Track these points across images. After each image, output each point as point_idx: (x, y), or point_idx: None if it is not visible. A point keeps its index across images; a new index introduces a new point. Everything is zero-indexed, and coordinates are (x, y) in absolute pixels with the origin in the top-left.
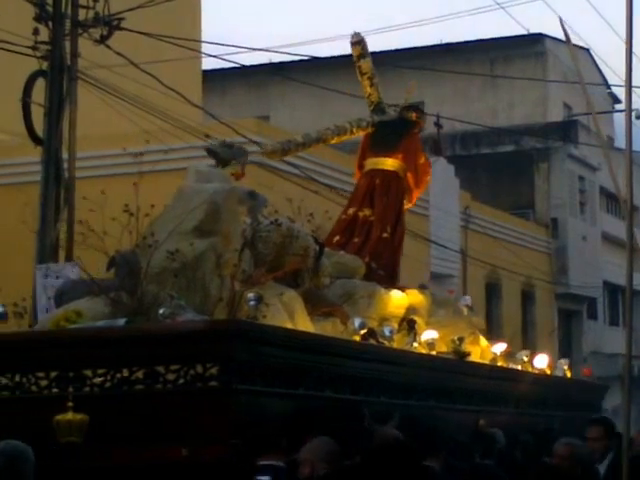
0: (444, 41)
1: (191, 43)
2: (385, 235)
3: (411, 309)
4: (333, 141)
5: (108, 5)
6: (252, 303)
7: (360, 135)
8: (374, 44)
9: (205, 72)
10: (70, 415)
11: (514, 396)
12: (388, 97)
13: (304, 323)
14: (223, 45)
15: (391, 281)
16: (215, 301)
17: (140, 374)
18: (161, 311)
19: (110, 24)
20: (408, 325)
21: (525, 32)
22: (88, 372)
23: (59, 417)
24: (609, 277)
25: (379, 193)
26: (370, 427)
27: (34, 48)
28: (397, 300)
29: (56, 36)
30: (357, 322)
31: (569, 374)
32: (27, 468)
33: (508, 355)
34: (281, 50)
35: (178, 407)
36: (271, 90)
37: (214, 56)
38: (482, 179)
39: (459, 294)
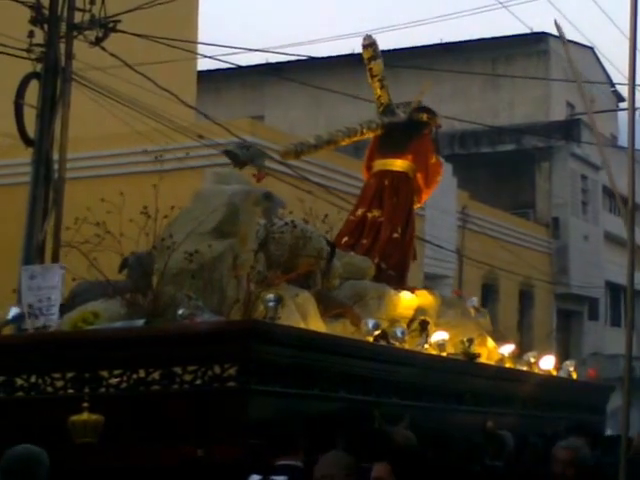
0: (445, 40)
1: (186, 44)
2: (395, 235)
3: (420, 310)
4: (344, 142)
5: (105, 8)
6: (271, 304)
7: (370, 136)
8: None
9: (200, 72)
10: (85, 416)
11: (522, 397)
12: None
13: (317, 324)
14: (218, 46)
15: (400, 282)
16: (232, 302)
17: (157, 375)
18: (180, 312)
19: (106, 26)
20: (420, 326)
21: (528, 31)
22: (104, 373)
23: (74, 418)
24: (611, 277)
25: (388, 194)
26: (382, 428)
27: (29, 50)
28: (407, 301)
29: (51, 38)
30: (371, 323)
31: (575, 375)
32: (41, 471)
33: (515, 356)
34: (276, 50)
35: (195, 408)
36: (266, 90)
37: (209, 57)
38: (482, 178)
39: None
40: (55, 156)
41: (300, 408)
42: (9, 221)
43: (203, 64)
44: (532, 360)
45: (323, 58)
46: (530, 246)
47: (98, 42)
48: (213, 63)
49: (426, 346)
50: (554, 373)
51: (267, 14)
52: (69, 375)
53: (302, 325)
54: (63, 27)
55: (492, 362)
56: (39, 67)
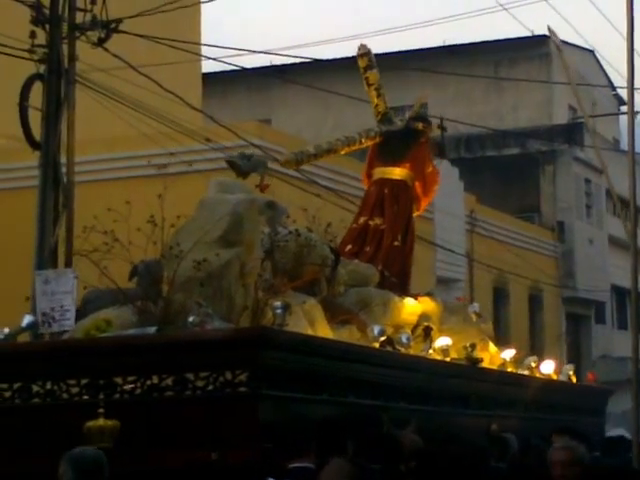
0: (447, 43)
1: (190, 46)
2: (396, 243)
3: (423, 316)
4: (343, 151)
5: (106, 8)
6: (279, 311)
7: (369, 145)
8: (376, 46)
9: (205, 75)
10: (101, 421)
11: (524, 401)
12: (391, 99)
13: (324, 331)
14: (222, 47)
15: (403, 289)
16: (240, 309)
17: (170, 381)
18: (190, 319)
19: (108, 27)
20: (424, 332)
21: (529, 34)
22: (118, 379)
23: (90, 423)
24: (617, 281)
25: (389, 202)
26: (390, 432)
27: (31, 51)
28: (410, 307)
29: (53, 39)
30: (376, 329)
31: (574, 379)
32: (107, 472)
33: (516, 361)
34: (282, 52)
35: (208, 413)
36: (272, 93)
37: (214, 59)
38: (488, 182)
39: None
40: (62, 159)
41: (310, 412)
42: (17, 226)
43: (207, 66)
44: (533, 364)
45: (330, 60)
46: (537, 250)
47: (100, 43)
48: (217, 65)
49: (430, 351)
50: (554, 377)
51: (271, 15)
52: (84, 382)
53: (310, 331)
54: (65, 27)
55: (494, 367)
56: (42, 68)
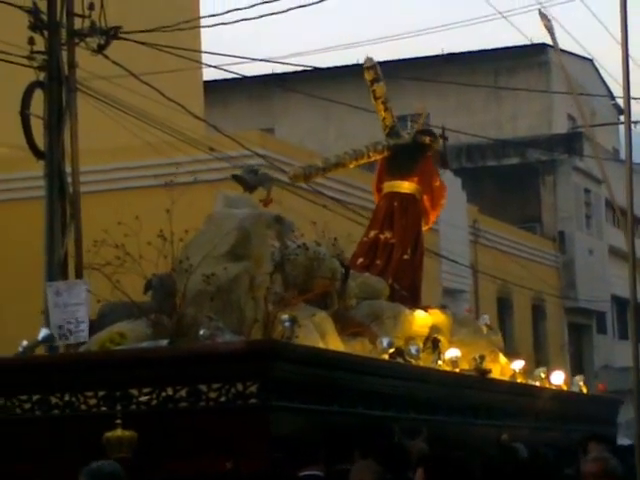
0: (446, 50)
1: (191, 53)
2: (406, 257)
3: (434, 328)
4: (351, 165)
5: (104, 13)
6: (287, 324)
7: (376, 158)
8: (375, 54)
9: (206, 83)
10: (119, 432)
11: (534, 411)
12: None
13: (335, 343)
14: (224, 55)
15: (414, 301)
16: (251, 322)
17: (184, 392)
18: (201, 332)
19: (107, 33)
20: (432, 344)
21: (528, 42)
22: (134, 391)
23: (109, 434)
24: (617, 291)
25: (398, 216)
26: (400, 442)
27: (30, 58)
28: (421, 320)
29: (52, 45)
30: (385, 341)
31: (585, 390)
32: None
33: (526, 372)
34: (283, 61)
35: (220, 423)
36: (274, 102)
37: (215, 67)
38: (489, 192)
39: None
40: (67, 169)
41: (319, 423)
42: (22, 237)
43: (208, 74)
44: (542, 375)
45: (329, 68)
46: (539, 260)
47: (100, 50)
48: (218, 73)
49: (439, 363)
50: (565, 388)
51: (274, 24)
52: (101, 393)
53: (321, 344)
54: (63, 34)
55: (505, 378)
56: (42, 75)
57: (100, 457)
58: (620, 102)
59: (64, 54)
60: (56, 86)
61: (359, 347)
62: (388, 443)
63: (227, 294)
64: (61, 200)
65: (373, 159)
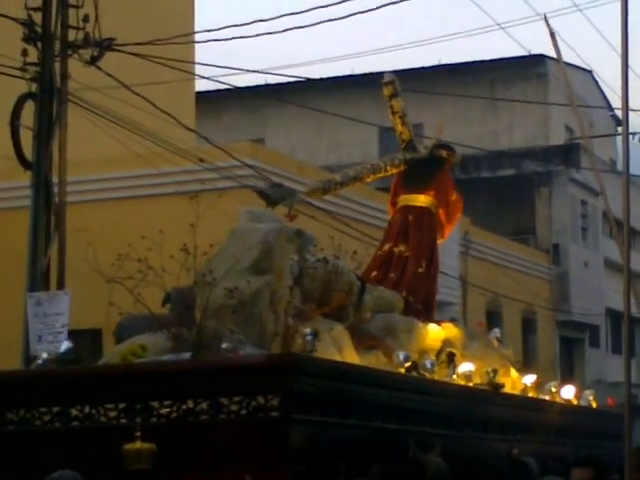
0: (442, 62)
1: (184, 64)
2: (420, 270)
3: (447, 342)
4: (369, 179)
5: (99, 26)
6: (309, 338)
7: (393, 173)
8: (371, 65)
9: (199, 94)
10: (139, 444)
11: (544, 425)
12: (387, 120)
13: (351, 356)
14: (215, 66)
15: (427, 315)
16: (271, 336)
17: (205, 405)
18: (224, 345)
19: (101, 45)
20: (448, 358)
21: (526, 53)
22: (155, 403)
23: (128, 446)
24: (612, 304)
25: (413, 229)
26: (415, 456)
27: (23, 70)
28: (434, 333)
29: (45, 57)
30: (402, 355)
31: (594, 404)
32: None
33: (537, 386)
34: (276, 72)
35: (241, 436)
36: (266, 112)
37: (207, 78)
38: (482, 203)
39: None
40: (54, 179)
41: (338, 436)
42: (9, 246)
43: (200, 85)
44: (553, 390)
45: (322, 79)
46: (531, 272)
47: (93, 61)
48: (211, 84)
49: (454, 377)
50: (575, 402)
51: (266, 34)
52: (121, 406)
53: (338, 357)
54: (57, 45)
55: (516, 392)
56: (34, 87)
57: (119, 468)
58: (618, 113)
59: (57, 65)
60: (47, 98)
61: (374, 360)
62: (403, 457)
63: (249, 308)
64: (46, 210)
65: (390, 173)
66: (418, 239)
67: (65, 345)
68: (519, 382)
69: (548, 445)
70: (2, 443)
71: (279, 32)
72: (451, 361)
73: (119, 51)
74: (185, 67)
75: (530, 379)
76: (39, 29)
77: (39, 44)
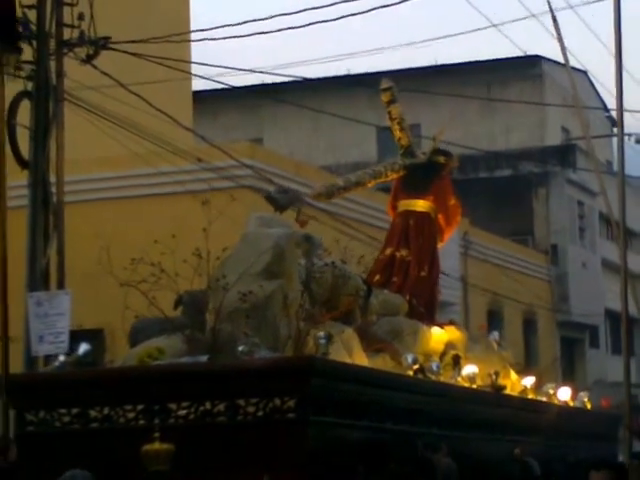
0: (438, 62)
1: (180, 64)
2: (422, 274)
3: (449, 345)
4: (370, 184)
5: (94, 24)
6: (322, 341)
7: (393, 178)
8: (367, 65)
9: (196, 93)
10: (157, 445)
11: (544, 426)
12: (383, 119)
13: (361, 359)
14: (213, 66)
15: (430, 318)
16: (285, 339)
17: (222, 407)
18: (240, 348)
19: (96, 43)
20: (453, 361)
21: (521, 54)
22: (173, 405)
23: (147, 447)
24: (610, 305)
25: (414, 234)
26: (425, 456)
27: (18, 68)
28: (437, 336)
29: (40, 55)
30: (410, 358)
31: (589, 405)
32: None
33: (536, 388)
34: (273, 71)
35: (258, 437)
36: (264, 112)
37: (204, 77)
38: (481, 204)
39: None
40: (52, 179)
41: (351, 437)
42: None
43: (197, 85)
44: (551, 391)
45: (318, 79)
46: (530, 273)
47: (89, 60)
48: (208, 84)
49: (458, 379)
50: (571, 403)
51: (261, 34)
52: (140, 407)
53: (348, 360)
54: (52, 44)
55: (515, 393)
56: (29, 85)
57: (138, 469)
58: (614, 114)
59: (52, 65)
60: (43, 96)
61: (381, 363)
62: (415, 457)
63: (262, 311)
64: (44, 210)
65: (390, 178)
66: (419, 244)
67: (83, 348)
68: (518, 384)
69: (547, 445)
70: (22, 444)
71: (272, 32)
72: (456, 363)
73: (115, 50)
74: (182, 66)
75: (529, 381)
76: (34, 27)
77: (34, 42)
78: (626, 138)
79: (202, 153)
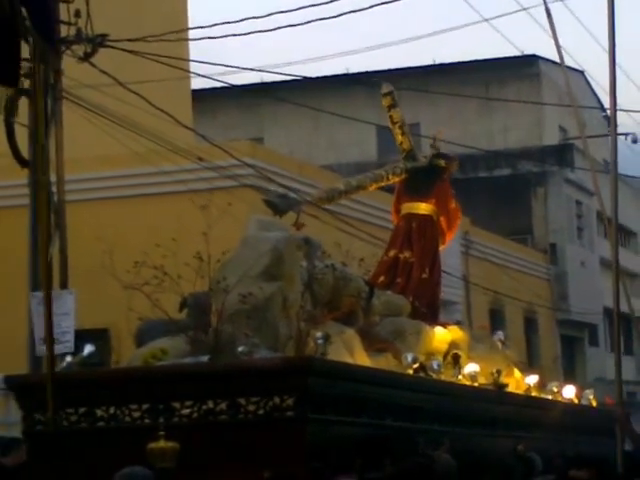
0: (436, 61)
1: (179, 62)
2: (425, 276)
3: (453, 344)
4: (371, 188)
5: (90, 21)
6: (320, 341)
7: (395, 181)
8: (366, 64)
9: (195, 92)
10: (162, 443)
11: (547, 423)
12: (382, 118)
13: (362, 359)
14: (212, 64)
15: (433, 318)
16: (285, 339)
17: (224, 406)
18: (241, 349)
19: (94, 41)
20: (453, 359)
21: (519, 53)
22: (177, 404)
23: (152, 445)
24: (609, 303)
25: (416, 237)
26: (425, 452)
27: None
28: (441, 336)
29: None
30: (409, 357)
31: (594, 403)
32: None
33: (540, 386)
34: (272, 70)
35: (259, 435)
36: (263, 111)
37: (204, 76)
38: (480, 203)
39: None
40: (52, 178)
41: (350, 434)
42: (8, 246)
43: (197, 83)
44: (555, 389)
45: (318, 78)
46: (530, 272)
47: (87, 57)
48: (207, 82)
49: (459, 377)
50: (576, 401)
51: (262, 33)
52: (145, 406)
53: (349, 359)
54: None
55: (520, 391)
56: (27, 83)
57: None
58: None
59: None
60: (42, 94)
61: (383, 362)
62: (413, 453)
63: (262, 312)
64: (46, 209)
65: (391, 181)
66: (421, 246)
67: (88, 349)
68: (522, 382)
69: (550, 441)
70: (31, 444)
71: (270, 30)
72: (456, 362)
73: (112, 47)
74: (181, 65)
75: (533, 379)
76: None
77: (30, 39)
78: (622, 138)
79: (203, 152)
